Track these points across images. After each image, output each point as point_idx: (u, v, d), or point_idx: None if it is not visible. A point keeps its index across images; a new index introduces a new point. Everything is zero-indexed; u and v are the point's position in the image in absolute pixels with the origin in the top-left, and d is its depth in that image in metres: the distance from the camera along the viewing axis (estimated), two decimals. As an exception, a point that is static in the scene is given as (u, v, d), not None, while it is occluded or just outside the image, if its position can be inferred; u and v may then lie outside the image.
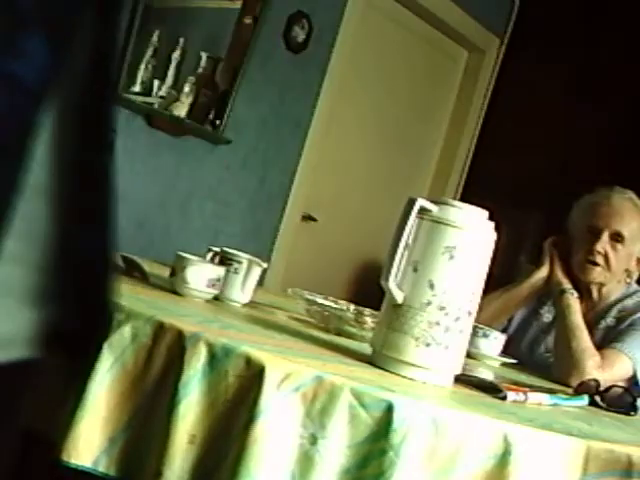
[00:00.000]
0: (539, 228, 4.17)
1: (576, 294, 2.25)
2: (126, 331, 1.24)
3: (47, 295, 0.74)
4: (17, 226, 0.64)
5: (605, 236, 2.26)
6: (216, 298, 1.73)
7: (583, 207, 2.36)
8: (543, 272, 2.35)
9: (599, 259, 2.26)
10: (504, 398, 1.43)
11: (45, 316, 0.75)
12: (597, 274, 2.28)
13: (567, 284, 2.28)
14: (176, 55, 3.33)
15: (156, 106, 3.32)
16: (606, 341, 2.20)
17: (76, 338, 0.79)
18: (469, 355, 1.77)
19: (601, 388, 1.75)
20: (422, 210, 1.37)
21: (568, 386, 1.93)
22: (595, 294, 2.32)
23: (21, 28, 0.60)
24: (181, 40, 3.34)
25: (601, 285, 2.31)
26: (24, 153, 0.62)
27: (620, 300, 2.31)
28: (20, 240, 0.68)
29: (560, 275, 2.31)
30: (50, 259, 0.73)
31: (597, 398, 1.71)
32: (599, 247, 2.26)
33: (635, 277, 2.37)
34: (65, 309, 0.76)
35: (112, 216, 0.79)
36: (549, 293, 2.36)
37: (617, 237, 2.27)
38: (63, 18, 0.63)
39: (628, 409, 1.72)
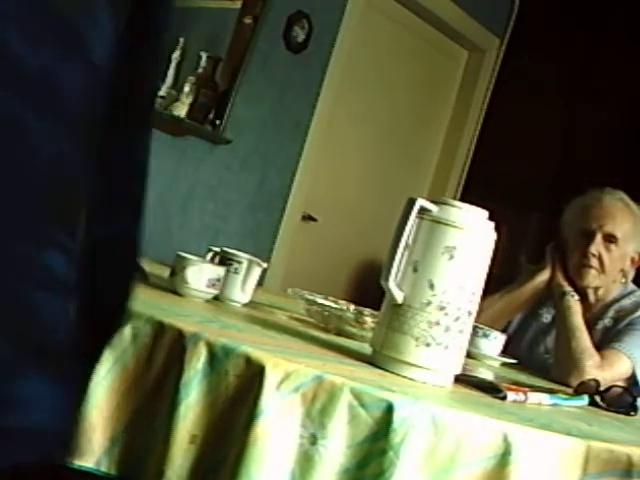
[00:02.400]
0: (539, 228, 4.18)
1: (577, 297, 2.26)
2: (126, 331, 1.24)
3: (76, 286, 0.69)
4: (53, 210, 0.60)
5: (598, 238, 2.26)
6: (216, 298, 1.73)
7: (575, 210, 2.36)
8: (545, 275, 2.35)
9: (593, 262, 2.26)
10: (504, 398, 1.43)
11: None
12: (592, 278, 2.28)
13: (568, 287, 2.28)
14: (176, 55, 3.33)
15: (156, 106, 3.32)
16: (605, 342, 2.20)
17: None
18: (469, 355, 1.77)
19: (601, 388, 1.75)
20: (422, 210, 1.37)
21: (568, 386, 1.94)
22: (592, 296, 2.32)
23: None
24: (181, 40, 3.34)
25: (597, 288, 2.31)
26: (94, 134, 0.58)
27: (617, 300, 2.32)
28: (60, 228, 0.63)
29: (561, 278, 2.31)
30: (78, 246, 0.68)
31: (597, 398, 1.71)
32: (593, 249, 2.26)
33: (631, 277, 2.37)
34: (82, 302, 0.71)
35: (141, 204, 0.74)
36: (549, 295, 2.36)
37: (610, 239, 2.27)
38: None
39: (628, 409, 1.72)
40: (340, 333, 1.70)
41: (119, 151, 0.70)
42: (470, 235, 1.37)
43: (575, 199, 2.38)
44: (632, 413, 1.72)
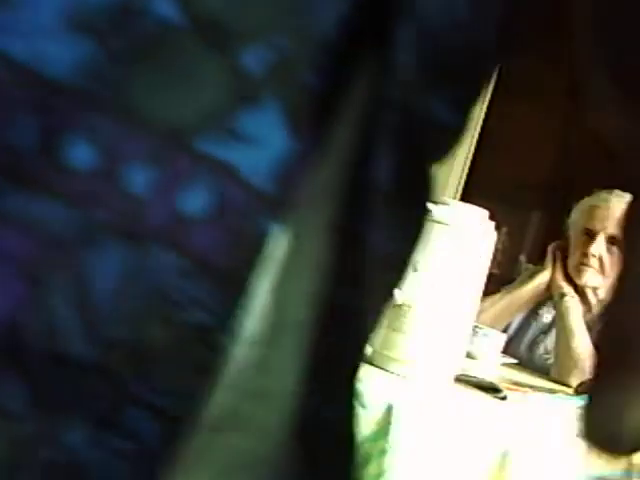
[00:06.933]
0: (539, 228, 4.18)
1: (577, 297, 2.25)
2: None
3: None
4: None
5: (601, 239, 2.25)
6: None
7: (581, 210, 2.36)
8: (546, 276, 2.35)
9: (593, 262, 2.25)
10: (504, 398, 1.43)
11: None
12: (591, 277, 2.27)
13: (568, 288, 2.28)
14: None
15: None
16: (605, 342, 2.20)
17: None
18: (469, 355, 1.77)
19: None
20: (422, 210, 1.37)
21: (568, 386, 1.94)
22: (591, 297, 2.31)
23: (245, 101, 0.36)
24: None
25: (595, 289, 2.30)
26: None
27: (618, 302, 2.31)
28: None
29: (561, 279, 2.31)
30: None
31: (597, 398, 1.71)
32: (594, 250, 2.25)
33: None
34: None
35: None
36: (550, 295, 2.36)
37: (613, 241, 2.26)
38: (305, 84, 0.37)
39: (628, 409, 1.72)
40: (340, 333, 1.70)
41: None
42: (470, 235, 1.37)
43: (583, 199, 2.38)
44: (632, 413, 1.72)
